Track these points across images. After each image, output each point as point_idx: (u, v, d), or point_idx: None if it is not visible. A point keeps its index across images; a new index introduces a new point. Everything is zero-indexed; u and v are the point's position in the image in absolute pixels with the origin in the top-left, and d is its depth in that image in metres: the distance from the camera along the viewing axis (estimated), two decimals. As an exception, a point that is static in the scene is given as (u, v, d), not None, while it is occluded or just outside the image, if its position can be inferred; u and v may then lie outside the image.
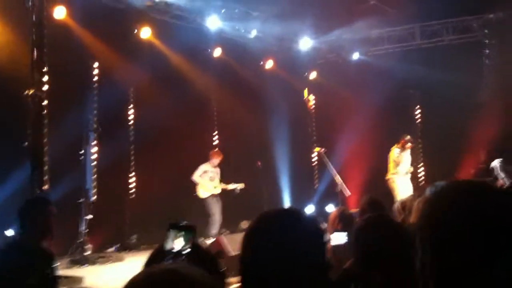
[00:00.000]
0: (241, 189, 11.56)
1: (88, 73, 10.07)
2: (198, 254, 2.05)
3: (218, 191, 11.29)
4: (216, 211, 11.07)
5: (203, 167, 11.33)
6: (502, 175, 10.06)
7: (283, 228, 1.63)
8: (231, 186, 11.50)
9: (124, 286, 1.13)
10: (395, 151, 11.67)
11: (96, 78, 10.04)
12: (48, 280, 3.72)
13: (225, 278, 2.38)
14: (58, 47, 8.82)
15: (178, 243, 1.93)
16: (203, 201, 11.19)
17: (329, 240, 4.66)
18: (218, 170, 11.44)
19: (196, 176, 11.24)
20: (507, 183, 8.99)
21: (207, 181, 11.26)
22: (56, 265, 3.85)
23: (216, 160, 11.38)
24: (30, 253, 3.67)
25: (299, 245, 1.61)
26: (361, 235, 3.10)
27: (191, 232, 1.90)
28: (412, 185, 11.58)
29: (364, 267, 2.97)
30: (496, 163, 10.68)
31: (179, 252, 2.03)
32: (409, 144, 11.73)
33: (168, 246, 2.06)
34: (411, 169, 11.84)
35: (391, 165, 11.62)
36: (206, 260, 2.12)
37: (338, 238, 3.99)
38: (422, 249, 1.30)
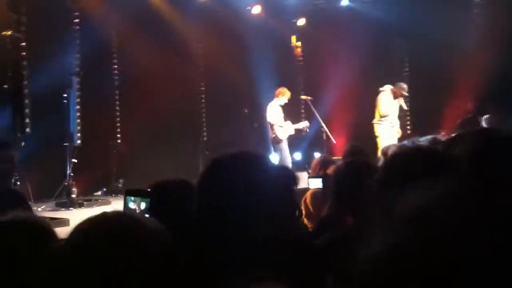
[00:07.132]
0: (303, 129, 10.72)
1: (68, 16, 9.84)
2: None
3: (292, 131, 10.45)
4: (288, 155, 10.20)
5: (275, 106, 10.23)
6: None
7: (238, 170, 1.57)
8: (300, 125, 10.68)
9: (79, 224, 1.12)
10: (387, 97, 10.72)
11: (77, 21, 9.82)
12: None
13: None
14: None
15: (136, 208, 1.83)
16: (278, 144, 10.22)
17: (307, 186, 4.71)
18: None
19: (272, 117, 10.18)
20: None
21: (283, 120, 10.25)
22: (28, 206, 3.83)
23: (286, 97, 10.32)
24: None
25: (256, 187, 1.54)
26: (335, 178, 3.13)
27: (148, 198, 1.79)
28: (399, 135, 10.83)
29: (338, 210, 3.00)
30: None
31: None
32: (403, 94, 10.83)
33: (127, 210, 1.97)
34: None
35: (379, 110, 10.69)
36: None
37: (314, 183, 4.02)
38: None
